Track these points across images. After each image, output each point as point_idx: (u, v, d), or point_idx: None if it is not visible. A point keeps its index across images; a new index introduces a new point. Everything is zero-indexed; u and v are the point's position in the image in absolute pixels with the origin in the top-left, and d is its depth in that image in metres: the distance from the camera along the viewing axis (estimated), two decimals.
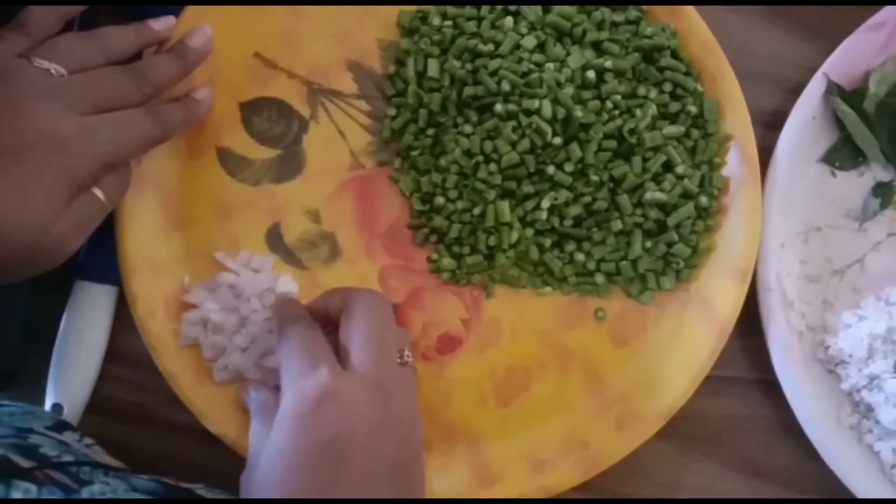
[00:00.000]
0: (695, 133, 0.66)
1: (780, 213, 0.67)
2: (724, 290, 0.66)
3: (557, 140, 0.64)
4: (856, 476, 0.67)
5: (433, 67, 0.66)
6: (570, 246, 0.66)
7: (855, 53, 0.67)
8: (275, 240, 0.68)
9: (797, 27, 0.71)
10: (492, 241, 0.66)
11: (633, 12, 0.67)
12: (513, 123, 0.64)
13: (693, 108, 0.66)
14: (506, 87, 0.64)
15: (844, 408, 0.68)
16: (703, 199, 0.65)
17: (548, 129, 0.63)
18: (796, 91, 0.69)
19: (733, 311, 0.66)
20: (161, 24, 0.65)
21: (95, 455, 0.63)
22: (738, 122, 0.67)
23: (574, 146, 0.64)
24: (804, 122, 0.67)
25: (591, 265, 0.66)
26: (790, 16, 0.71)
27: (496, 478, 0.66)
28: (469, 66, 0.66)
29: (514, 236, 0.65)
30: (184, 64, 0.64)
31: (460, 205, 0.66)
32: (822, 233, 0.69)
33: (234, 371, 0.63)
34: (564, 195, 0.65)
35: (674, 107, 0.66)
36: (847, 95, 0.66)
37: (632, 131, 0.64)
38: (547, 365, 0.68)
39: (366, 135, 0.69)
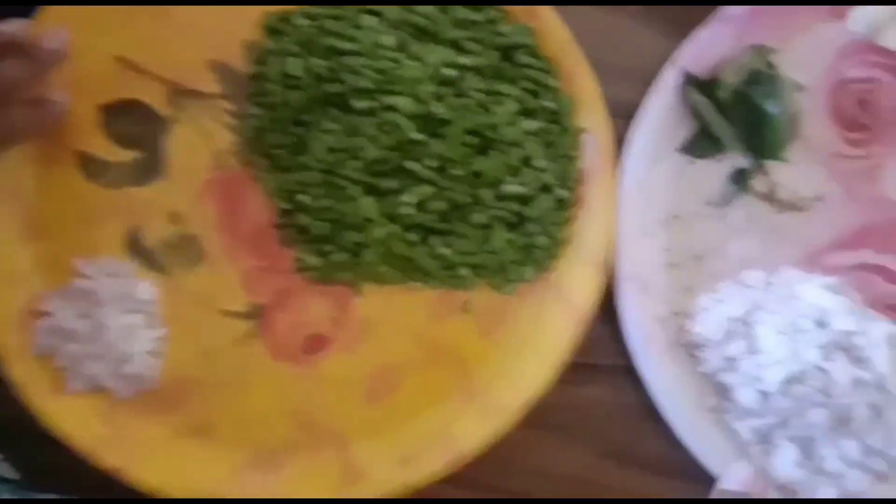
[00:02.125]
0: (552, 128, 0.59)
1: (638, 204, 0.62)
2: (581, 279, 0.60)
3: (418, 136, 0.54)
4: (718, 457, 0.61)
5: (295, 66, 0.57)
6: (436, 240, 0.58)
7: (709, 44, 0.62)
8: (136, 244, 0.60)
9: (660, 22, 0.64)
10: (357, 237, 0.55)
11: (491, 12, 0.61)
12: (373, 120, 0.53)
13: (551, 104, 0.60)
14: (366, 83, 0.54)
15: (705, 390, 0.62)
16: (561, 192, 0.59)
17: (408, 125, 0.53)
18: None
19: (591, 300, 0.60)
20: (11, 27, 0.53)
21: None
22: (594, 116, 0.61)
23: (435, 142, 0.56)
24: (660, 112, 0.62)
25: (456, 259, 0.59)
26: (654, 11, 0.64)
27: (361, 476, 0.59)
28: (330, 64, 0.54)
29: (380, 232, 0.55)
30: (34, 67, 0.54)
31: (324, 202, 0.56)
32: (683, 220, 0.63)
33: (89, 380, 0.51)
34: (427, 190, 0.54)
35: (532, 103, 0.60)
36: (701, 85, 0.57)
37: (491, 127, 0.55)
38: (417, 361, 0.61)
39: (230, 135, 0.60)
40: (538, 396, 0.59)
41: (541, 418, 0.62)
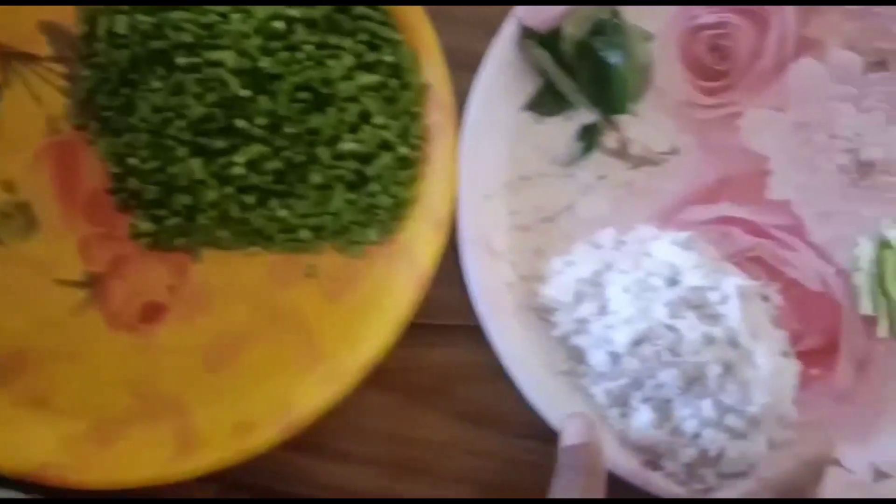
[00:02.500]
0: (393, 83, 0.55)
1: (482, 165, 0.58)
2: (426, 239, 0.57)
3: (245, 92, 0.51)
4: None
5: (120, 23, 0.54)
6: (274, 202, 0.53)
7: None
8: None
9: None
10: (188, 200, 0.51)
11: None
12: (196, 76, 0.50)
13: (390, 58, 0.56)
14: (188, 38, 0.50)
15: (558, 354, 0.58)
16: (403, 149, 0.56)
17: (233, 81, 0.49)
18: None
19: (433, 261, 0.56)
20: None
21: None
22: (435, 70, 0.57)
23: (263, 98, 0.52)
24: (500, 68, 0.59)
25: (295, 221, 0.55)
26: None
27: (198, 444, 0.55)
28: (154, 20, 0.51)
29: (213, 195, 0.52)
30: None
31: (153, 164, 0.51)
32: (531, 181, 0.59)
33: None
34: (259, 149, 0.51)
35: (371, 56, 0.57)
36: (541, 39, 0.54)
37: (325, 81, 0.51)
38: (259, 328, 0.58)
39: (63, 99, 0.55)
40: (378, 359, 0.56)
41: (395, 382, 0.59)
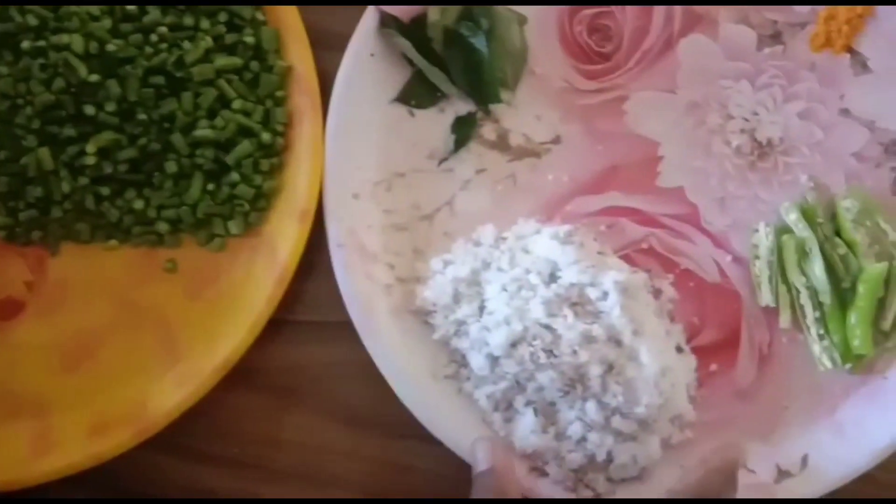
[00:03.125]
0: (255, 65, 0.50)
1: (349, 163, 0.53)
2: (288, 233, 0.52)
3: (94, 77, 0.47)
4: (456, 427, 0.52)
5: None
6: (130, 193, 0.48)
7: None
8: None
9: None
10: (41, 192, 0.47)
11: None
12: (41, 61, 0.45)
13: (251, 39, 0.51)
14: (33, 21, 0.45)
15: (440, 358, 0.53)
16: (265, 135, 0.51)
17: (80, 65, 0.45)
18: None
19: (294, 255, 0.51)
20: None
21: None
22: (299, 52, 0.53)
23: (112, 83, 0.47)
24: (362, 61, 0.53)
25: (152, 213, 0.49)
26: None
27: (52, 447, 0.50)
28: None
29: (66, 186, 0.47)
30: None
31: (3, 155, 0.47)
32: (406, 178, 0.54)
33: None
34: (110, 137, 0.47)
35: (230, 38, 0.52)
36: (404, 27, 0.49)
37: (179, 65, 0.46)
38: (117, 325, 0.53)
39: None
40: (235, 358, 0.51)
41: (267, 382, 0.54)
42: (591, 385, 0.50)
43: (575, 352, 0.49)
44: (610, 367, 0.50)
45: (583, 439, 0.50)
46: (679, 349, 0.53)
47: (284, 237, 0.51)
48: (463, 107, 0.54)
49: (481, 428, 0.52)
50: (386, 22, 0.52)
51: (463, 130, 0.53)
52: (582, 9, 0.54)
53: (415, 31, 0.52)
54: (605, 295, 0.50)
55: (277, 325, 0.53)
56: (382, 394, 0.52)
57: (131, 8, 0.50)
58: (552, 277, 0.51)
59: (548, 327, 0.50)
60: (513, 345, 0.50)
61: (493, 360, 0.51)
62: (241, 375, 0.53)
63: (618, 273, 0.51)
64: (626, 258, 0.54)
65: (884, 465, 0.52)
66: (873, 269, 0.52)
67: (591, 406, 0.50)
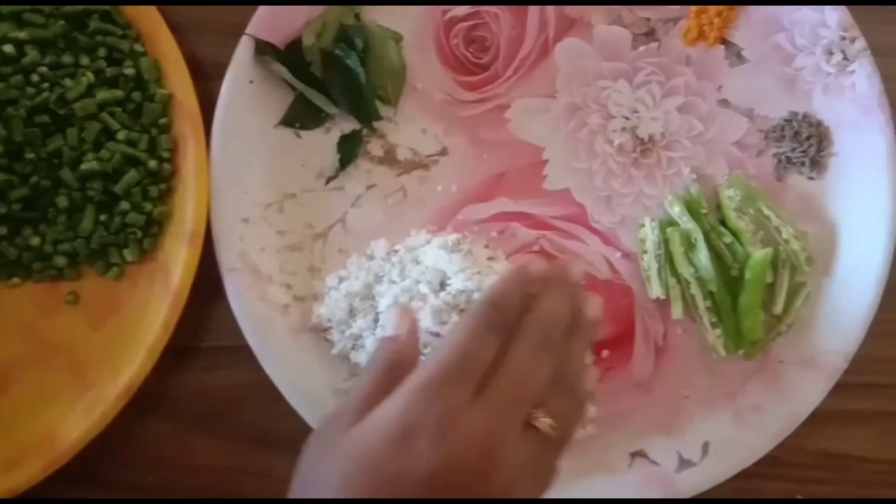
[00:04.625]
0: (137, 95, 0.47)
1: (236, 189, 0.49)
2: (180, 257, 0.48)
3: None
4: None
5: None
6: (27, 231, 0.45)
7: (284, 8, 0.50)
8: None
9: None
10: None
11: None
12: None
13: (131, 71, 0.48)
14: None
15: (341, 373, 0.49)
16: (152, 163, 0.48)
17: None
18: None
19: (188, 279, 0.48)
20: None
21: None
22: (178, 80, 0.50)
23: None
24: (241, 88, 0.50)
25: (49, 248, 0.46)
26: None
27: None
28: None
29: None
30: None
31: None
32: (297, 199, 0.51)
33: None
34: (1, 178, 0.43)
35: (111, 71, 0.49)
36: (280, 52, 0.46)
37: (62, 102, 0.43)
38: (26, 361, 0.50)
39: None
40: (136, 384, 0.48)
41: (176, 409, 0.51)
42: None
43: None
44: None
45: None
46: None
47: (177, 262, 0.48)
48: (348, 125, 0.50)
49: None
50: (261, 50, 0.48)
51: (348, 149, 0.50)
52: (457, 22, 0.51)
53: (292, 56, 0.49)
54: None
55: (186, 353, 0.50)
56: (291, 412, 0.48)
57: (9, 50, 0.47)
58: (441, 286, 0.48)
59: (437, 335, 0.46)
60: None
61: None
62: (153, 404, 0.50)
63: None
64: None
65: (786, 445, 0.48)
66: (758, 256, 0.48)
67: None
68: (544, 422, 0.36)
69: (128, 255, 0.49)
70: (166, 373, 0.49)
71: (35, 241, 0.48)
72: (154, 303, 0.48)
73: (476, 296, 0.47)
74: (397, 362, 0.39)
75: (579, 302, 0.41)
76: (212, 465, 0.50)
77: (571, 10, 0.51)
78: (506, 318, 0.38)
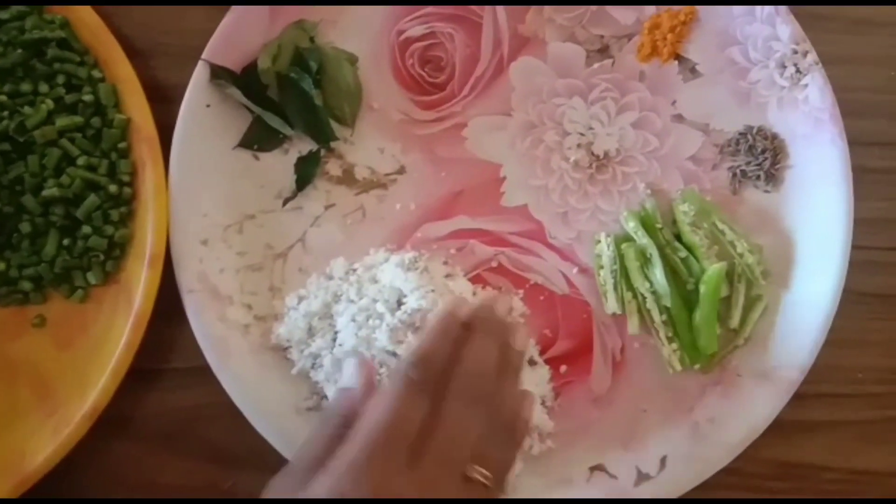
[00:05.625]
0: (96, 121, 0.45)
1: (195, 211, 0.48)
2: (142, 279, 0.47)
3: None
4: None
5: None
6: None
7: (240, 32, 0.48)
8: None
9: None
10: None
11: (18, 9, 0.48)
12: None
13: (90, 97, 0.47)
14: None
15: (302, 392, 0.48)
16: (113, 187, 0.47)
17: None
18: None
19: (149, 300, 0.46)
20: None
21: None
22: (135, 104, 0.48)
23: None
24: (199, 112, 0.48)
25: (14, 273, 0.45)
26: None
27: None
28: None
29: None
30: None
31: None
32: (256, 220, 0.49)
33: None
34: None
35: (70, 98, 0.47)
36: (237, 77, 0.45)
37: (21, 129, 0.42)
38: None
39: None
40: (104, 403, 0.46)
41: (143, 429, 0.49)
42: None
43: None
44: None
45: None
46: (532, 362, 0.47)
47: (139, 284, 0.46)
48: (306, 146, 0.49)
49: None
50: (217, 74, 0.47)
51: (305, 170, 0.48)
52: (412, 42, 0.49)
53: (248, 80, 0.47)
54: None
55: (151, 374, 0.49)
56: (254, 431, 0.46)
57: None
58: (398, 304, 0.46)
59: (393, 354, 0.45)
60: None
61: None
62: (118, 424, 0.48)
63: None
64: (478, 278, 0.48)
65: (745, 455, 0.46)
66: (712, 270, 0.46)
67: None
68: (480, 473, 0.35)
69: (91, 278, 0.47)
70: (132, 393, 0.48)
71: (0, 266, 0.47)
72: (118, 324, 0.47)
73: (431, 315, 0.45)
74: (350, 418, 0.38)
75: (507, 337, 0.40)
76: (176, 485, 0.49)
77: (525, 29, 0.49)
78: (433, 376, 0.37)
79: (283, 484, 0.37)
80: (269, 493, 0.37)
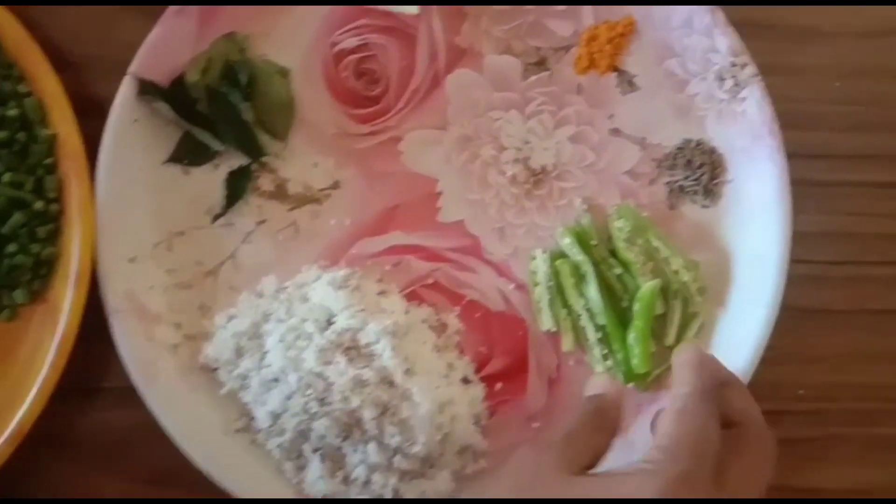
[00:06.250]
0: (21, 136, 0.45)
1: (122, 228, 0.45)
2: (69, 297, 0.45)
3: None
4: (250, 479, 0.45)
5: None
6: None
7: (166, 45, 0.46)
8: None
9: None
10: None
11: None
12: None
13: (15, 112, 0.45)
14: None
15: (232, 413, 0.46)
16: (39, 204, 0.45)
17: None
18: None
19: (76, 319, 0.44)
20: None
21: None
22: (62, 119, 0.46)
23: None
24: (126, 127, 0.45)
25: None
26: None
27: None
28: None
29: None
30: None
31: None
32: (186, 236, 0.47)
33: None
34: None
35: None
36: (165, 91, 0.43)
37: None
38: None
39: None
40: (30, 423, 0.44)
41: (76, 449, 0.47)
42: (368, 428, 0.43)
43: (346, 398, 0.43)
44: (385, 409, 0.43)
45: (368, 481, 0.43)
46: (466, 381, 0.46)
47: (66, 302, 0.44)
48: (237, 161, 0.47)
49: (275, 478, 0.45)
50: (144, 88, 0.45)
51: (236, 185, 0.46)
52: (346, 54, 0.47)
53: (177, 94, 0.45)
54: (377, 338, 0.43)
55: (88, 393, 0.47)
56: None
57: None
58: (328, 324, 0.44)
59: (320, 375, 0.43)
60: (288, 397, 0.43)
61: (274, 412, 0.44)
62: (55, 445, 0.47)
63: (389, 316, 0.44)
64: (413, 295, 0.47)
65: None
66: (645, 288, 0.44)
67: (371, 448, 0.43)
68: None
69: (18, 296, 0.45)
70: (68, 413, 0.46)
71: None
72: (46, 344, 0.45)
73: (360, 335, 0.43)
74: (603, 414, 0.38)
75: None
76: None
77: (461, 41, 0.47)
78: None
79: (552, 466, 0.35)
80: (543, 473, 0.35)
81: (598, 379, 0.41)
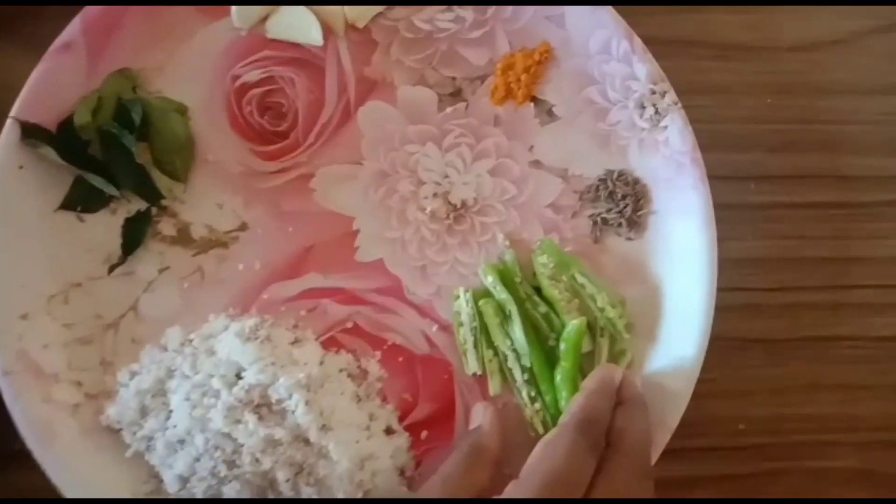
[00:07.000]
0: None
1: (11, 283, 0.41)
2: None
3: None
4: None
5: None
6: None
7: (54, 84, 0.42)
8: None
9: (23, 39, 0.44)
10: None
11: None
12: None
13: None
14: None
15: (140, 475, 0.42)
16: None
17: None
18: None
19: None
20: None
21: None
22: None
23: None
24: (11, 174, 0.41)
25: None
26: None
27: None
28: None
29: None
30: None
31: None
32: (83, 287, 0.43)
33: None
34: None
35: None
36: (52, 135, 0.40)
37: None
38: None
39: None
40: None
41: None
42: (283, 490, 0.39)
43: (257, 459, 0.39)
44: (300, 469, 0.40)
45: None
46: (389, 430, 0.42)
47: None
48: (135, 205, 0.43)
49: None
50: (28, 132, 0.41)
51: (134, 232, 0.42)
52: (249, 88, 0.43)
53: (65, 137, 0.41)
54: (289, 393, 0.40)
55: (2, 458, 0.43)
56: None
57: None
58: (237, 379, 0.40)
59: (228, 436, 0.39)
60: (196, 459, 0.40)
61: (181, 476, 0.40)
62: None
63: (302, 368, 0.40)
64: (331, 341, 0.43)
65: None
66: (571, 326, 0.41)
67: None
68: None
69: None
70: None
71: None
72: None
73: (271, 391, 0.40)
74: (478, 449, 0.38)
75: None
76: None
77: (372, 72, 0.44)
78: (599, 438, 0.36)
79: None
80: None
81: (476, 411, 0.40)
